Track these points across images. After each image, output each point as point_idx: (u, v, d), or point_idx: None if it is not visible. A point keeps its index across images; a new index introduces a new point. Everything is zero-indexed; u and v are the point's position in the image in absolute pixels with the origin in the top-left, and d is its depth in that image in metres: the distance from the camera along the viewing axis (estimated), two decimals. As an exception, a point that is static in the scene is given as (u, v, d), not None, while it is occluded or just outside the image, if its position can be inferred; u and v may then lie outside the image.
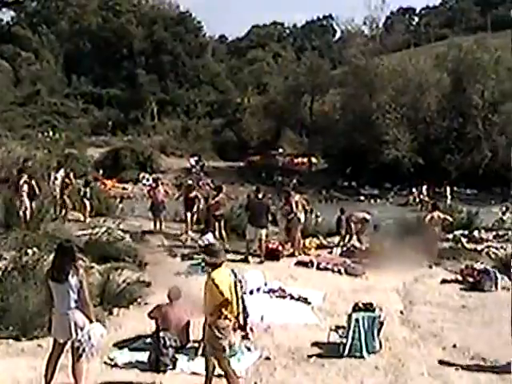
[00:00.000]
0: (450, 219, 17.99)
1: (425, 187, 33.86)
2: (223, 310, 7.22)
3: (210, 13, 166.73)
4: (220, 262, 7.37)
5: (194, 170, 46.51)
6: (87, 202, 19.42)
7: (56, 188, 18.79)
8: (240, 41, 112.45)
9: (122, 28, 70.25)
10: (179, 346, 8.81)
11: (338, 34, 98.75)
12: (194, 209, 18.10)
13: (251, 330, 9.72)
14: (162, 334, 8.61)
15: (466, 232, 21.46)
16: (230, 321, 7.34)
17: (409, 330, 10.73)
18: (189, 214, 17.32)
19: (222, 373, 7.54)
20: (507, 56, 45.14)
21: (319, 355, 9.16)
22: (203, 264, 14.19)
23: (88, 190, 19.86)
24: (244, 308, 7.78)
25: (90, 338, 7.01)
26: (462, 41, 49.37)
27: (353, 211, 19.63)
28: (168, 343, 8.47)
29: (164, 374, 8.23)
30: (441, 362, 9.13)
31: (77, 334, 7.01)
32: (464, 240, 20.35)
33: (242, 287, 7.84)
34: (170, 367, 8.31)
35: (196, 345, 8.89)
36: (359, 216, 19.13)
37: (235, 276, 7.73)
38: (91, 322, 7.15)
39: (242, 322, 7.77)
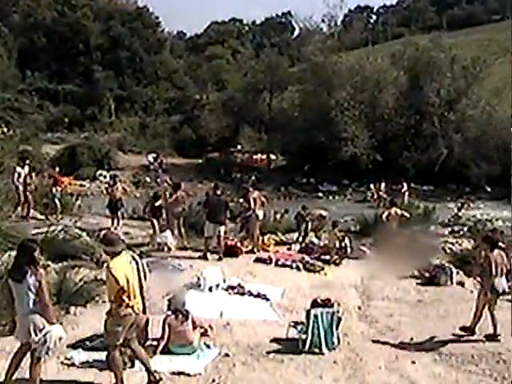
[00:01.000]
0: (407, 215, 18.24)
1: (383, 184, 34.23)
2: (124, 297, 7.08)
3: (168, 9, 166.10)
4: (119, 250, 7.23)
5: (152, 167, 46.21)
6: (58, 203, 19.30)
7: (19, 185, 18.43)
8: (199, 37, 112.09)
9: (77, 22, 69.10)
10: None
11: (296, 32, 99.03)
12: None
13: (210, 327, 9.69)
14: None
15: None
16: (132, 309, 7.20)
17: (366, 324, 10.85)
18: (155, 222, 17.11)
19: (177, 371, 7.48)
20: (462, 55, 45.91)
21: (278, 351, 9.18)
22: (162, 261, 14.23)
23: (58, 189, 19.75)
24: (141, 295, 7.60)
25: (45, 341, 6.90)
26: (419, 39, 49.97)
27: (309, 209, 19.74)
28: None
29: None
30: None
31: (36, 335, 6.90)
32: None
33: (145, 274, 7.72)
34: (129, 365, 8.21)
35: (154, 343, 8.82)
36: (316, 213, 19.28)
37: (137, 263, 7.50)
38: (52, 323, 7.03)
39: (142, 307, 7.58)
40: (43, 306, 6.96)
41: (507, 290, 10.20)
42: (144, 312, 7.73)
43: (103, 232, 15.61)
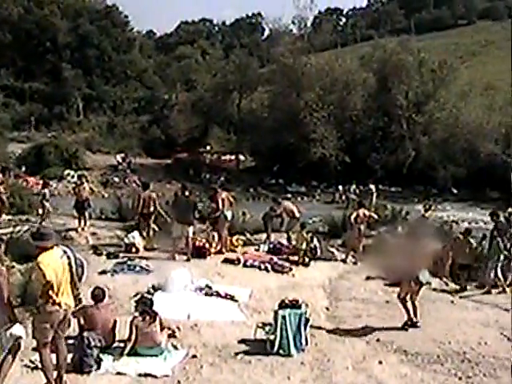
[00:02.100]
0: (375, 216, 18.35)
1: (354, 186, 34.30)
2: (51, 293, 6.93)
3: (137, 8, 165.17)
4: (49, 245, 7.07)
5: (120, 167, 45.83)
6: (47, 204, 19.12)
7: None
8: (168, 37, 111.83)
9: (45, 19, 68.21)
10: (104, 346, 8.64)
11: (266, 33, 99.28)
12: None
13: (178, 328, 9.64)
14: (85, 334, 8.44)
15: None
16: (60, 306, 7.04)
17: (334, 325, 10.87)
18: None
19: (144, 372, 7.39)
20: (430, 58, 46.45)
21: (246, 352, 9.16)
22: (129, 262, 14.12)
23: (47, 191, 19.56)
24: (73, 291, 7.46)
25: (1, 340, 6.81)
26: (387, 42, 50.39)
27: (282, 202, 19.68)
28: (92, 343, 8.31)
29: (88, 375, 8.03)
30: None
31: None
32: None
33: (82, 269, 7.61)
34: (95, 368, 8.13)
35: (121, 344, 8.75)
36: (290, 206, 19.25)
37: (69, 258, 7.28)
38: (12, 322, 6.93)
39: (72, 304, 7.44)
40: (3, 305, 6.86)
41: (430, 281, 11.19)
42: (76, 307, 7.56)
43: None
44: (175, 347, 9.08)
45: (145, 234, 16.43)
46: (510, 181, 36.20)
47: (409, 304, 10.72)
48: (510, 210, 19.99)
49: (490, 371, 8.89)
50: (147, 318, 8.81)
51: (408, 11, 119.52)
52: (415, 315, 10.68)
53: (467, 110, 42.85)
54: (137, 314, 9.05)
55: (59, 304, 7.04)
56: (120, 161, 46.78)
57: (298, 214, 18.78)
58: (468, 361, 9.25)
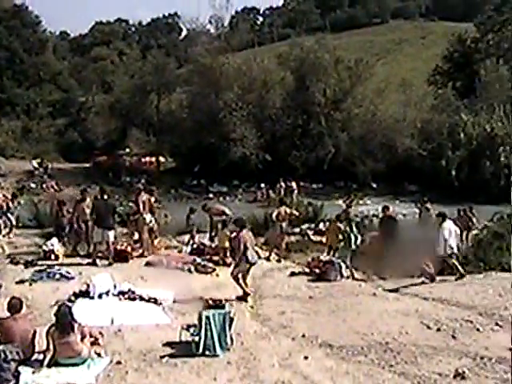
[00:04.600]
0: (297, 213, 18.57)
1: (279, 185, 34.28)
2: None
3: (49, 7, 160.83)
4: None
5: (36, 172, 44.61)
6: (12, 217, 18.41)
7: None
8: (83, 38, 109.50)
9: None
10: (23, 359, 8.33)
11: (184, 33, 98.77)
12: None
13: (101, 333, 9.42)
14: (1, 347, 8.10)
15: (312, 225, 22.32)
16: None
17: (259, 323, 10.92)
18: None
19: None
20: (346, 56, 47.29)
21: (171, 355, 9.09)
22: (49, 270, 13.71)
23: (22, 201, 18.83)
24: None
25: None
26: (304, 41, 50.88)
27: (213, 204, 19.68)
28: (9, 357, 8.00)
29: (6, 390, 7.76)
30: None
31: None
32: (310, 233, 21.16)
33: None
34: (13, 382, 7.84)
35: (41, 356, 8.48)
36: (219, 208, 19.22)
37: None
38: None
39: None
40: None
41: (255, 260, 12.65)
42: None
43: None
44: (99, 355, 8.89)
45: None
46: (426, 174, 37.51)
47: (241, 281, 12.33)
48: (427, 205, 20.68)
49: (411, 359, 9.14)
50: (64, 327, 8.50)
51: (324, 10, 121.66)
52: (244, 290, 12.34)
53: (384, 106, 43.80)
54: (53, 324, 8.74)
55: None
56: (36, 166, 45.56)
57: (228, 212, 18.83)
58: (390, 350, 9.49)
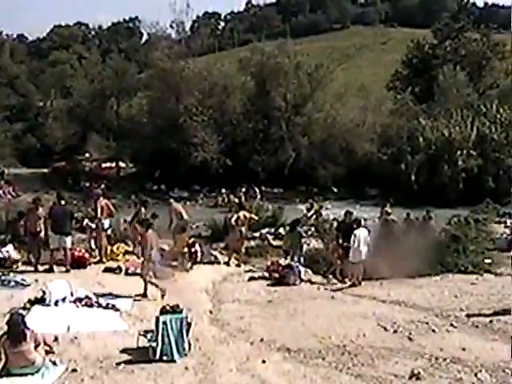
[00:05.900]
0: (256, 218, 18.57)
1: (243, 189, 34.19)
2: None
3: (5, 10, 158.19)
4: None
5: (-8, 178, 43.71)
6: None
7: None
8: (41, 41, 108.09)
9: None
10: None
11: (145, 37, 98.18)
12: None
13: (56, 339, 9.28)
14: None
15: (272, 230, 22.36)
16: None
17: (218, 328, 10.89)
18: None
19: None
20: (306, 61, 47.54)
21: (128, 361, 9.00)
22: (3, 277, 13.43)
23: None
24: None
25: None
26: (265, 46, 50.97)
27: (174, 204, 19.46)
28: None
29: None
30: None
31: None
32: (270, 237, 21.18)
33: None
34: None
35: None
36: (178, 208, 19.06)
37: None
38: None
39: None
40: None
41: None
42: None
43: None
44: (54, 363, 8.74)
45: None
46: (386, 178, 37.89)
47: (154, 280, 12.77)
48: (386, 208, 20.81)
49: (368, 361, 9.23)
50: (16, 336, 8.32)
51: (285, 16, 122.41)
52: (145, 289, 12.64)
53: (344, 110, 44.09)
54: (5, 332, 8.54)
55: None
56: (-9, 171, 44.64)
57: (186, 216, 18.65)
58: (348, 353, 9.56)
